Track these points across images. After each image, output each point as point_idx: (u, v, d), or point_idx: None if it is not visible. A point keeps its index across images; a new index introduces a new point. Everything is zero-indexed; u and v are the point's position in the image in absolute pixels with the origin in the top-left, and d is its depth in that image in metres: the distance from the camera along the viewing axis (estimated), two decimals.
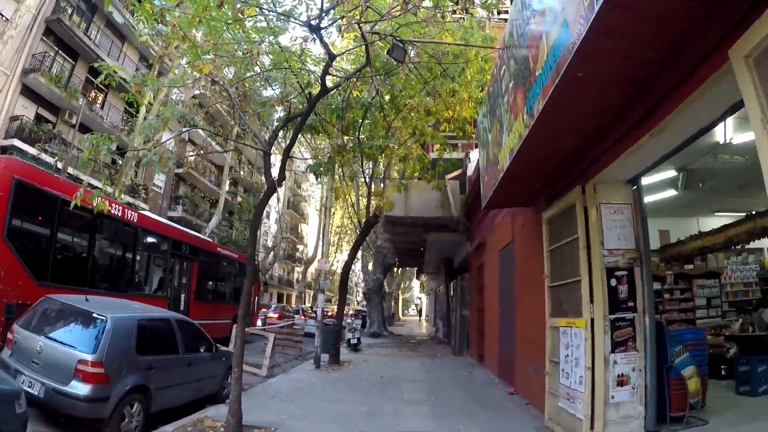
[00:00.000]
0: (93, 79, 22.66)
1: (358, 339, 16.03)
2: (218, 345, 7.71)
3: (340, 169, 12.13)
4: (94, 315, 5.49)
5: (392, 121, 10.81)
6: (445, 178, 14.20)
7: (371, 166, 12.97)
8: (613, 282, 5.38)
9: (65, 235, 9.54)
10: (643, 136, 4.45)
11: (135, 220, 11.45)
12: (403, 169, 13.90)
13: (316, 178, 10.73)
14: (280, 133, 7.94)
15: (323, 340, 11.66)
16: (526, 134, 4.78)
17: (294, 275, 55.92)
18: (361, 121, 10.62)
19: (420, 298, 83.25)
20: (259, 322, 19.29)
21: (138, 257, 11.95)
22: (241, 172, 40.35)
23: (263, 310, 23.17)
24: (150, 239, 12.48)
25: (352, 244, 18.20)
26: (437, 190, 15.13)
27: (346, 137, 11.54)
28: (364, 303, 58.28)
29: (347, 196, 14.98)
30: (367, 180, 13.48)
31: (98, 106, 22.51)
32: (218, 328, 13.78)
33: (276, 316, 22.47)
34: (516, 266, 9.10)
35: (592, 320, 5.24)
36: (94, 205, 5.71)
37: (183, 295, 13.92)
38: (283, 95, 7.64)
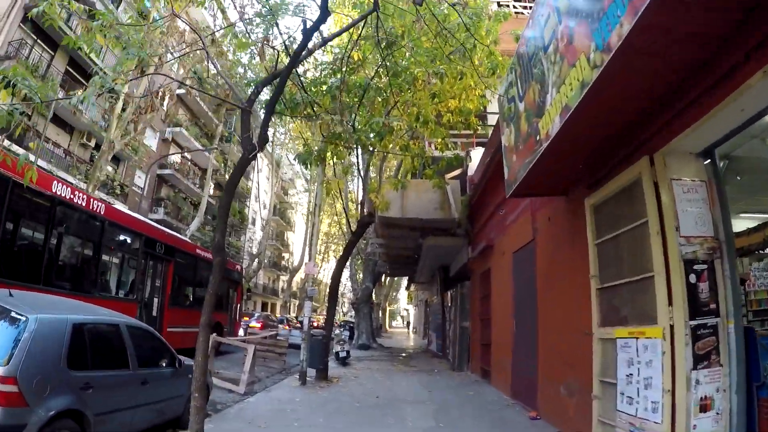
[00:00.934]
0: (72, 71, 21.36)
1: (348, 352, 14.65)
2: (182, 358, 6.33)
3: (333, 160, 10.89)
4: (13, 314, 4.12)
5: (392, 107, 9.61)
6: (445, 177, 12.97)
7: (366, 159, 11.68)
8: (692, 278, 4.17)
9: (18, 224, 8.13)
10: (738, 86, 3.33)
11: (102, 212, 10.06)
12: (400, 163, 12.65)
13: (306, 167, 9.44)
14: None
15: (310, 354, 10.29)
16: (596, 77, 3.57)
17: (279, 284, 54.31)
18: (358, 103, 9.41)
19: (407, 310, 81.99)
20: (240, 332, 17.81)
21: (105, 254, 10.53)
22: (227, 176, 38.90)
23: (245, 319, 21.66)
24: (119, 235, 11.06)
25: (340, 253, 16.57)
26: (437, 189, 13.92)
27: (340, 128, 10.34)
28: (351, 314, 56.90)
29: (338, 196, 13.54)
30: (362, 173, 12.21)
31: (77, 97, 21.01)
32: (195, 336, 12.35)
33: (259, 325, 20.98)
34: (538, 268, 7.87)
35: (672, 328, 4.01)
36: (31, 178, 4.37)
37: (156, 300, 12.48)
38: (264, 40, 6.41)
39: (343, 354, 14.33)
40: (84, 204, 9.47)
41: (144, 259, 11.76)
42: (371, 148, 10.41)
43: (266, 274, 51.11)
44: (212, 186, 37.12)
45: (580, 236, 5.84)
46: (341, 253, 12.15)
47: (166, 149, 30.34)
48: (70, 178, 17.78)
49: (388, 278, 40.38)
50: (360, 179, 12.71)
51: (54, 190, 8.57)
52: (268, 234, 38.32)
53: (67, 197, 8.93)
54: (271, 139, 40.91)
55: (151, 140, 28.05)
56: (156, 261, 12.44)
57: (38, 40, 18.23)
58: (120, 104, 19.04)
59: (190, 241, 15.62)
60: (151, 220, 15.55)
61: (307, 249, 10.89)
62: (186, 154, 31.05)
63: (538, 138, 5.05)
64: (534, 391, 7.69)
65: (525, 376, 8.33)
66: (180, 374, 6.11)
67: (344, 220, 18.71)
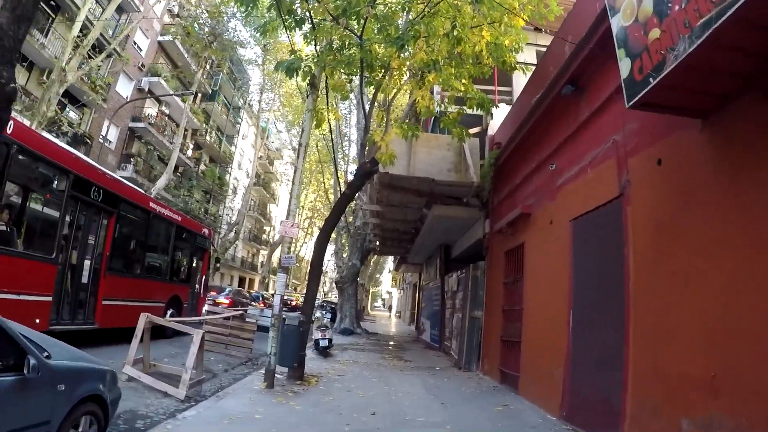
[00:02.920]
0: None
1: (330, 340, 11.94)
2: (43, 359, 3.45)
3: (326, 79, 8.09)
4: None
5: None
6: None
7: (376, 83, 8.79)
8: None
9: None
10: None
11: (10, 132, 7.09)
12: (409, 107, 9.79)
13: (289, 77, 6.63)
14: None
15: (281, 346, 7.50)
16: None
17: (259, 258, 51.39)
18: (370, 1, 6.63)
19: (389, 293, 79.55)
20: (205, 308, 14.89)
21: (8, 191, 7.60)
22: (208, 137, 35.70)
23: (213, 293, 18.81)
24: (33, 167, 8.06)
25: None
26: (451, 147, 11.29)
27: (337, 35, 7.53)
28: (332, 294, 54.36)
29: (329, 131, 10.50)
30: (366, 108, 9.34)
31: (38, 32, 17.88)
32: (144, 312, 9.58)
33: (227, 302, 18.14)
34: (633, 240, 5.20)
35: None
36: None
37: (88, 262, 9.56)
38: None
39: (324, 343, 11.63)
40: None
41: (71, 206, 8.83)
42: (382, 69, 7.66)
43: (245, 248, 48.21)
44: (190, 147, 33.98)
45: (741, 184, 3.19)
46: (329, 214, 9.35)
47: (140, 101, 27.07)
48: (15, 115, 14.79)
49: (374, 257, 37.71)
50: (363, 112, 9.84)
51: None
52: (248, 203, 35.28)
53: None
54: (257, 101, 37.85)
55: (125, 88, 24.81)
56: (90, 211, 9.50)
57: None
58: (77, 26, 15.87)
59: (142, 191, 12.62)
60: (119, 177, 12.61)
61: (283, 195, 7.82)
62: (162, 98, 27.63)
63: None
64: (616, 420, 5.06)
65: (595, 396, 5.72)
66: (35, 386, 3.31)
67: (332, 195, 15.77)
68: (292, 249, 33.25)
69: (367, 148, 9.06)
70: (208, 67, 33.82)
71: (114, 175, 10.94)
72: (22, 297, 7.59)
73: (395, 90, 10.32)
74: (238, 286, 41.09)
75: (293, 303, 26.82)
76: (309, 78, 8.25)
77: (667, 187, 4.79)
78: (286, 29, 7.19)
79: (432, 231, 14.39)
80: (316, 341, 11.75)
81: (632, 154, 5.37)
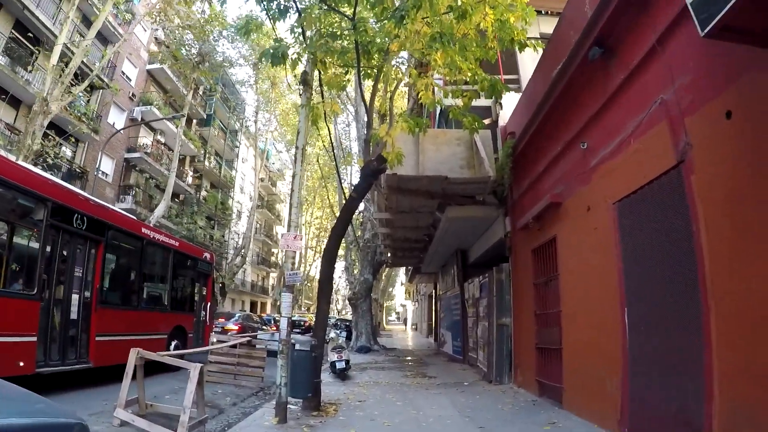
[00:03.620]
0: (18, 35, 17.71)
1: (347, 362, 10.95)
2: None
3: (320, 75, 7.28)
4: None
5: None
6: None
7: (376, 73, 7.92)
8: None
9: None
10: None
11: None
12: (413, 103, 8.93)
13: (274, 65, 5.80)
14: None
15: (292, 374, 6.55)
16: None
17: (269, 281, 50.54)
18: None
19: (404, 305, 78.29)
20: (213, 338, 13.92)
21: None
22: (206, 163, 35.13)
23: (221, 320, 17.89)
24: (4, 196, 7.28)
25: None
26: (461, 141, 10.46)
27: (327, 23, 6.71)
28: (346, 311, 53.20)
29: (327, 125, 9.51)
30: (366, 101, 8.46)
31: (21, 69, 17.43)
32: (144, 347, 8.65)
33: (236, 328, 17.21)
34: (704, 214, 4.26)
35: None
36: None
37: (76, 296, 8.70)
38: None
39: (341, 365, 10.64)
40: None
41: (51, 237, 8.01)
42: (379, 53, 6.81)
43: (254, 271, 47.44)
44: (190, 174, 33.36)
45: None
46: (335, 223, 8.46)
47: (135, 131, 26.52)
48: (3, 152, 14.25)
49: (386, 271, 36.72)
50: (364, 105, 9.00)
51: None
52: (252, 225, 34.51)
53: None
54: (254, 121, 37.25)
55: (118, 119, 24.30)
56: (75, 241, 8.68)
57: None
58: (56, 54, 15.27)
59: (133, 217, 11.80)
60: (119, 209, 11.83)
61: (286, 213, 6.79)
62: (156, 126, 27.10)
63: None
64: None
65: (665, 409, 4.73)
66: None
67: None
68: (302, 269, 32.44)
69: (372, 146, 8.19)
70: (201, 92, 33.43)
71: (99, 201, 10.14)
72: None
73: (396, 81, 9.46)
74: (250, 311, 40.21)
75: (306, 324, 25.81)
76: (301, 75, 7.47)
77: (741, 144, 3.87)
78: (269, 18, 6.38)
79: (446, 236, 13.46)
80: (332, 364, 10.79)
81: (690, 112, 4.46)
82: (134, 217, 12.16)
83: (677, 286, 4.64)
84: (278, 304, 46.58)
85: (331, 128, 9.59)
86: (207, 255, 14.42)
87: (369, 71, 7.89)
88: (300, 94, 7.68)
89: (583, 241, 6.79)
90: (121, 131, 23.02)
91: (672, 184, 4.74)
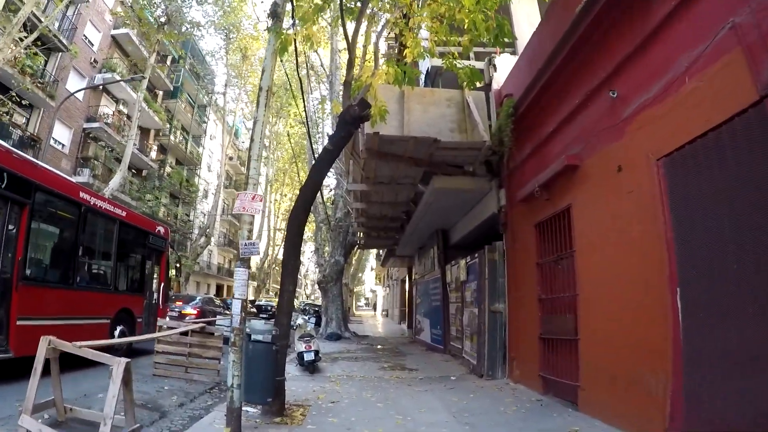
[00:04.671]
0: None
1: (316, 353, 9.56)
2: None
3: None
4: None
5: None
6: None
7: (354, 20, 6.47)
8: None
9: None
10: None
11: None
12: (401, 47, 7.51)
13: None
14: None
15: (247, 373, 5.10)
16: None
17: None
18: None
19: (374, 291, 77.04)
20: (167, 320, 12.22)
21: None
22: (172, 138, 32.95)
23: (178, 304, 16.25)
24: None
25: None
26: (451, 102, 9.16)
27: None
28: (315, 297, 51.64)
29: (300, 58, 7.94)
30: (349, 34, 6.96)
31: None
32: (81, 333, 7.06)
33: (195, 312, 15.61)
34: None
35: None
36: None
37: None
38: None
39: (310, 357, 9.24)
40: None
41: None
42: None
43: (221, 253, 45.50)
44: (154, 148, 31.09)
45: None
46: (305, 181, 6.97)
47: (96, 99, 24.29)
48: None
49: (357, 254, 35.29)
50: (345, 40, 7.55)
51: None
52: (218, 204, 32.62)
53: None
54: (222, 95, 35.12)
55: (78, 86, 22.06)
56: None
57: None
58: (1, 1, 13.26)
59: (69, 178, 9.98)
60: (75, 181, 10.04)
61: (246, 167, 5.43)
62: (119, 95, 24.93)
63: None
64: None
65: (744, 413, 3.55)
66: None
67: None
68: (271, 253, 30.68)
69: (351, 94, 6.75)
70: (168, 63, 31.15)
71: (25, 155, 8.39)
72: None
73: (382, 18, 8.06)
74: (216, 295, 38.31)
75: (273, 309, 24.27)
76: (271, 6, 5.99)
77: None
78: None
79: (428, 213, 12.15)
80: (300, 354, 9.41)
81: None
82: (68, 177, 10.39)
83: (761, 255, 3.46)
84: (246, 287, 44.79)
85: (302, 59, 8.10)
86: (161, 229, 12.77)
87: (352, 6, 6.45)
88: (268, 29, 6.19)
89: (610, 210, 5.56)
90: (76, 94, 20.79)
91: (753, 126, 3.54)
